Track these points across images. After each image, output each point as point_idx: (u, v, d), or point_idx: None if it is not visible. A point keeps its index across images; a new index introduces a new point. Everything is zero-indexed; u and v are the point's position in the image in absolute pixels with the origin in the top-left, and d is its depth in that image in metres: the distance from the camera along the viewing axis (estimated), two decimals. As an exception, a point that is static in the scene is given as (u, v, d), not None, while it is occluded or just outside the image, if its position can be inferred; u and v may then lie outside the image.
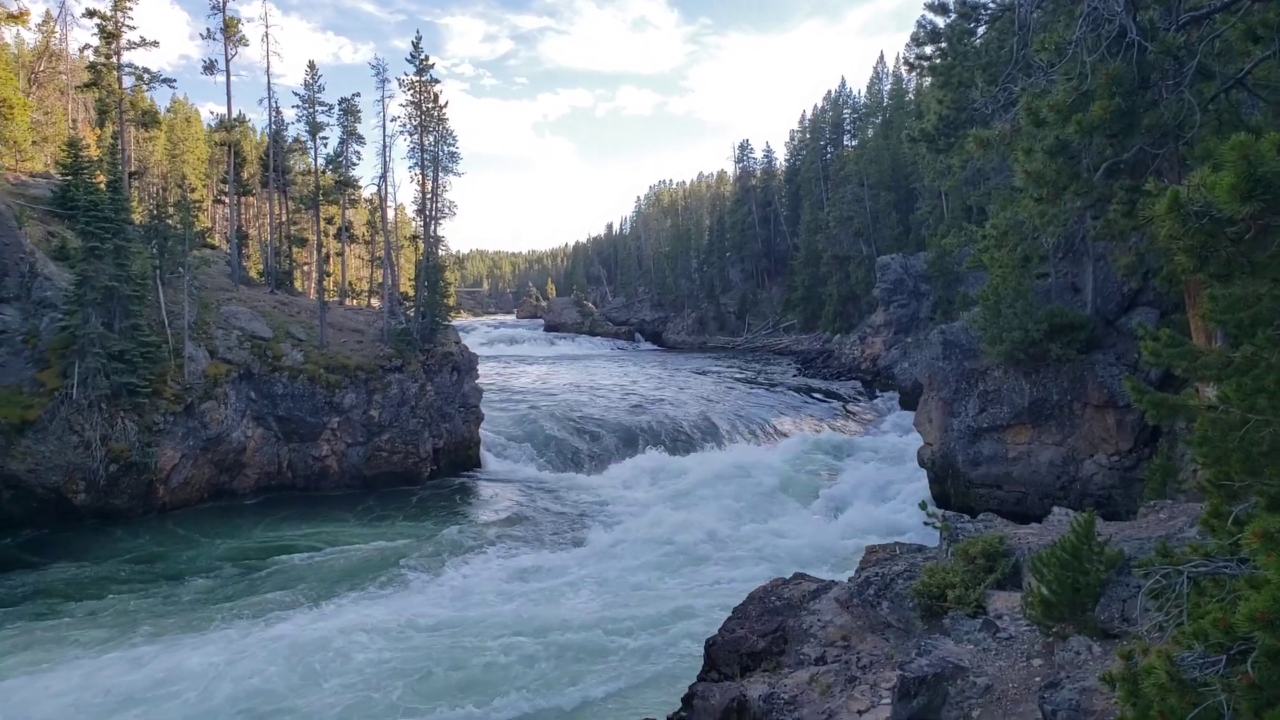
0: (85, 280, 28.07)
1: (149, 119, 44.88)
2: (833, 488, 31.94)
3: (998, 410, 25.59)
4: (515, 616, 19.59)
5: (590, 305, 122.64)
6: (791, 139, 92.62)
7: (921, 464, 28.22)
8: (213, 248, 46.37)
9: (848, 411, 47.54)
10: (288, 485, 32.85)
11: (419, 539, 26.91)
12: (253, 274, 45.51)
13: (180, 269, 32.38)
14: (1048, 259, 25.75)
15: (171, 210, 34.16)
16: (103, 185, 31.14)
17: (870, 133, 75.03)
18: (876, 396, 51.82)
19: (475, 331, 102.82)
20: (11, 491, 27.00)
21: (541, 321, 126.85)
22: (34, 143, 42.75)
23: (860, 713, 7.55)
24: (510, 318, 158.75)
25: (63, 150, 36.15)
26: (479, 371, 40.01)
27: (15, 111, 38.68)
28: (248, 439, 32.01)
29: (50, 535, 26.69)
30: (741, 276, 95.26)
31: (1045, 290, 26.28)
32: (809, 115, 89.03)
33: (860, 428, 44.11)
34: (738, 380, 57.06)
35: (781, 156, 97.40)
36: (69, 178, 34.38)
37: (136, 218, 36.54)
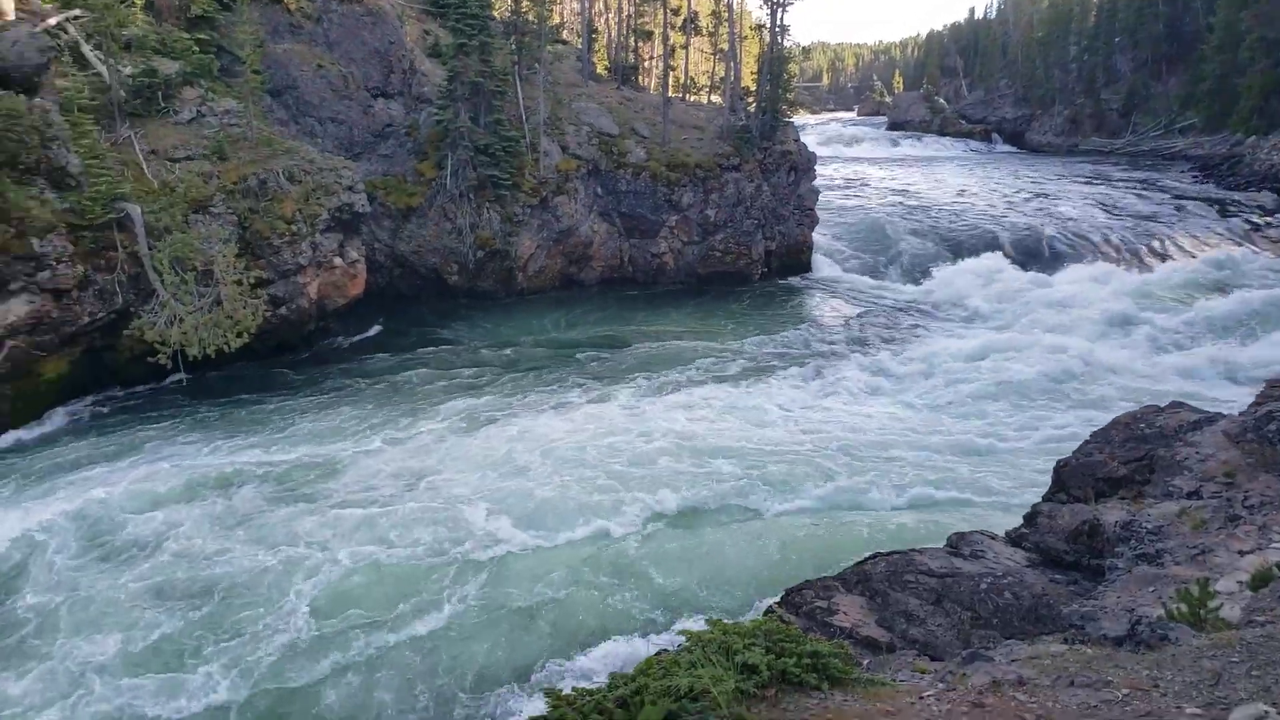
0: (455, 75, 30.85)
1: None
2: (1227, 317, 27.96)
3: None
4: (857, 416, 20.14)
5: (941, 101, 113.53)
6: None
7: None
8: (564, 43, 48.54)
9: (1256, 226, 40.70)
10: (627, 279, 35.25)
11: (747, 336, 27.94)
12: (599, 69, 47.26)
13: (536, 64, 34.42)
14: None
15: (527, 5, 35.99)
16: (467, -18, 33.35)
17: None
18: (1299, 213, 43.68)
19: (813, 130, 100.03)
20: (400, 270, 31.67)
21: (884, 119, 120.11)
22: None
23: (1242, 553, 6.91)
24: (850, 115, 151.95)
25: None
26: (816, 172, 39.22)
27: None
28: (594, 233, 34.46)
29: (428, 310, 31.14)
30: (1131, 66, 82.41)
31: None
32: None
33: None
34: (1117, 187, 50.77)
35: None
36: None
37: (496, 14, 38.98)
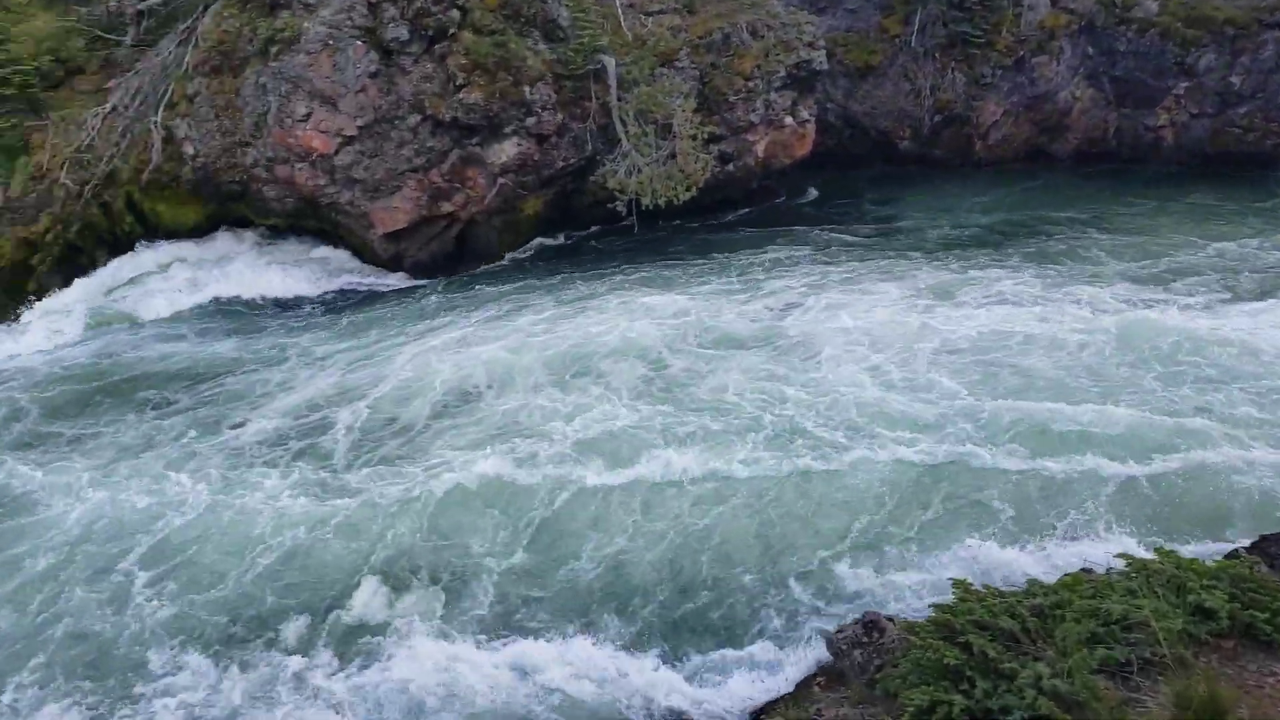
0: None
1: None
2: None
3: None
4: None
5: None
6: None
7: None
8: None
9: None
10: (1109, 154, 31.02)
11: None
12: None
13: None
14: None
15: None
16: None
17: None
18: None
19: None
20: (850, 131, 30.95)
21: None
22: None
23: None
24: None
25: None
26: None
27: None
28: (1074, 100, 30.61)
29: (879, 174, 30.22)
30: None
31: None
32: None
33: None
34: None
35: None
36: None
37: None
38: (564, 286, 21.21)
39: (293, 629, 10.52)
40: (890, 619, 8.39)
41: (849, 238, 24.17)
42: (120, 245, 22.67)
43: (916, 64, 29.74)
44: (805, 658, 9.62)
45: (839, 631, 8.67)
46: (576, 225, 25.23)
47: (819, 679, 8.83)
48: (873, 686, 7.73)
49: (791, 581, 10.95)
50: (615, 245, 24.24)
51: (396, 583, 11.26)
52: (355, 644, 10.34)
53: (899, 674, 7.35)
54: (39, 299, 21.17)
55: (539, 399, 15.50)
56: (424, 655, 9.97)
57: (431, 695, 9.43)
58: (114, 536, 12.23)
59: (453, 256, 23.38)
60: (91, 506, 12.86)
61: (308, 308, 21.43)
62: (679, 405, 14.99)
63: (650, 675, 9.60)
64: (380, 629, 10.53)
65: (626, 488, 12.79)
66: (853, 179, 29.82)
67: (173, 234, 23.01)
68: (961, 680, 6.81)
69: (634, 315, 18.65)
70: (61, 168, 21.76)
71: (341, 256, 23.56)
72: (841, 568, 11.12)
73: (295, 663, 10.05)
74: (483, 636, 10.34)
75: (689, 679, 9.57)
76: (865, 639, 8.14)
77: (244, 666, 10.08)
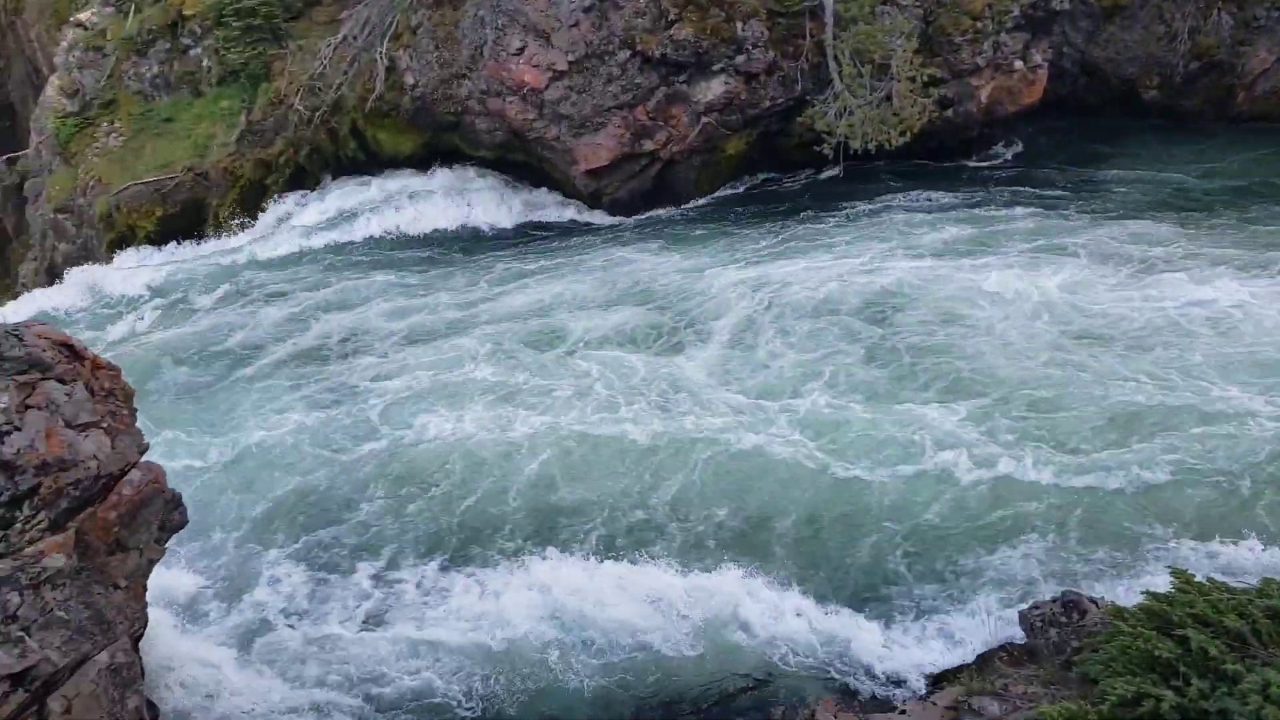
0: None
1: None
2: None
3: None
4: None
5: None
6: None
7: None
8: None
9: None
10: None
11: None
12: None
13: None
14: None
15: None
16: None
17: None
18: None
19: None
20: (1086, 79, 28.48)
21: None
22: None
23: None
24: None
25: None
26: None
27: None
28: (1365, 47, 26.84)
29: (1114, 126, 27.70)
30: None
31: None
32: None
33: None
34: None
35: None
36: None
37: None
38: (768, 230, 20.80)
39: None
40: (1094, 601, 7.83)
41: (1106, 194, 22.10)
42: (343, 169, 24.25)
43: (1175, 4, 26.88)
44: (987, 631, 9.21)
45: (1034, 608, 8.21)
46: (778, 168, 24.67)
47: (1001, 654, 8.43)
48: (1068, 668, 7.26)
49: (983, 552, 10.43)
50: (820, 190, 23.53)
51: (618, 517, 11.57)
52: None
53: (1100, 659, 6.85)
54: (269, 217, 23.19)
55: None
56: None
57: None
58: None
59: (650, 195, 23.49)
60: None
61: (509, 239, 22.26)
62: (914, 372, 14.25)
63: (829, 620, 9.58)
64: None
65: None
66: (1088, 128, 27.45)
67: (390, 162, 24.34)
68: (1173, 676, 6.26)
69: (868, 263, 17.87)
70: (296, 94, 23.40)
71: (542, 193, 24.21)
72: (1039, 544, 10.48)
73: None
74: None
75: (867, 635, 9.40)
76: (1064, 618, 7.66)
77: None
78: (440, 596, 10.40)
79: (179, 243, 23.23)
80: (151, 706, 7.42)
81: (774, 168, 24.67)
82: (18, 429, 5.77)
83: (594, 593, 9.94)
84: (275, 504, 12.02)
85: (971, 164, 24.92)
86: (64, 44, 25.90)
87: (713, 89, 22.16)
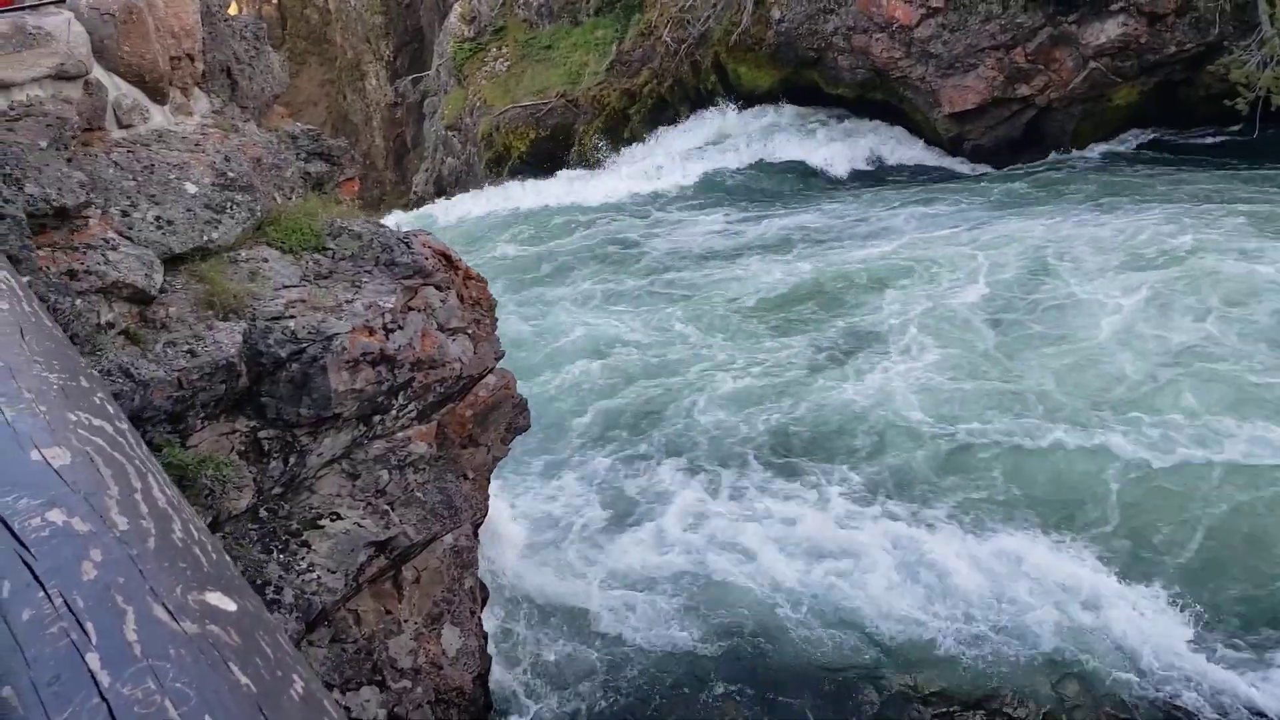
0: None
1: None
2: None
3: None
4: None
5: None
6: None
7: None
8: None
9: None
10: None
11: None
12: None
13: None
14: None
15: None
16: None
17: None
18: None
19: None
20: None
21: None
22: None
23: None
24: None
25: None
26: None
27: None
28: None
29: None
30: None
31: None
32: None
33: None
34: None
35: None
36: None
37: None
38: (1189, 197, 17.57)
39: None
40: None
41: None
42: (700, 102, 25.11)
43: None
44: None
45: None
46: (1176, 123, 22.04)
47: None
48: None
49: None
50: (1229, 149, 20.67)
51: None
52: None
53: None
54: (630, 145, 24.64)
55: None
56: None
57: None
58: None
59: (1017, 144, 22.11)
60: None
61: (867, 182, 22.00)
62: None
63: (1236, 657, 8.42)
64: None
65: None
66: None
67: (747, 96, 24.83)
68: None
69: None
70: (665, 25, 24.47)
71: (899, 134, 23.60)
72: None
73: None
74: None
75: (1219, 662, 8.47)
76: None
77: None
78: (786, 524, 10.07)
79: (547, 168, 25.29)
80: (483, 588, 8.27)
81: (1167, 123, 22.12)
82: (400, 328, 6.45)
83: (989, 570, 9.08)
84: (604, 414, 12.48)
85: None
86: (467, -28, 28.85)
87: (1107, 31, 20.26)
